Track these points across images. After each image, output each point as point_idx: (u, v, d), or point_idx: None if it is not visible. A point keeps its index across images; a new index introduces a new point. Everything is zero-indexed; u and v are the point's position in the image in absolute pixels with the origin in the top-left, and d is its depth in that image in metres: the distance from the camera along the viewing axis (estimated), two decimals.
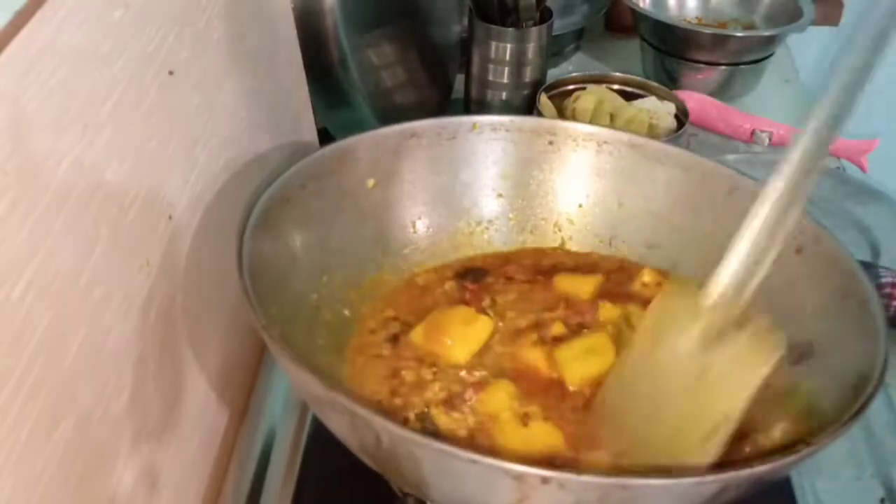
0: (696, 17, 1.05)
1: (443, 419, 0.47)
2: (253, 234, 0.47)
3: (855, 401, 0.41)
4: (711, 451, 0.41)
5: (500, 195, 0.62)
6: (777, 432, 0.44)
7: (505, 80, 0.86)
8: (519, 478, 0.36)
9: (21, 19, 0.35)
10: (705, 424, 0.41)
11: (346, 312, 0.55)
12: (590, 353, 0.50)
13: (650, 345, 0.45)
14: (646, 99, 0.85)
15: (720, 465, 0.42)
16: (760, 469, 0.37)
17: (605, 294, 0.56)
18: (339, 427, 0.43)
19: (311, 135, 0.74)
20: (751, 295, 0.42)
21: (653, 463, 0.42)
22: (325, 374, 0.50)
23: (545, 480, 0.36)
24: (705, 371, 0.41)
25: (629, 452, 0.43)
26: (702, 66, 0.96)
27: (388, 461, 0.41)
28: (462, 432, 0.47)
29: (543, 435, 0.46)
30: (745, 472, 0.37)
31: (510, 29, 0.83)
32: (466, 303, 0.56)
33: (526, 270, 0.59)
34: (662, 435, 0.42)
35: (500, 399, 0.48)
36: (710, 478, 0.37)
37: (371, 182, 0.58)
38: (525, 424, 0.46)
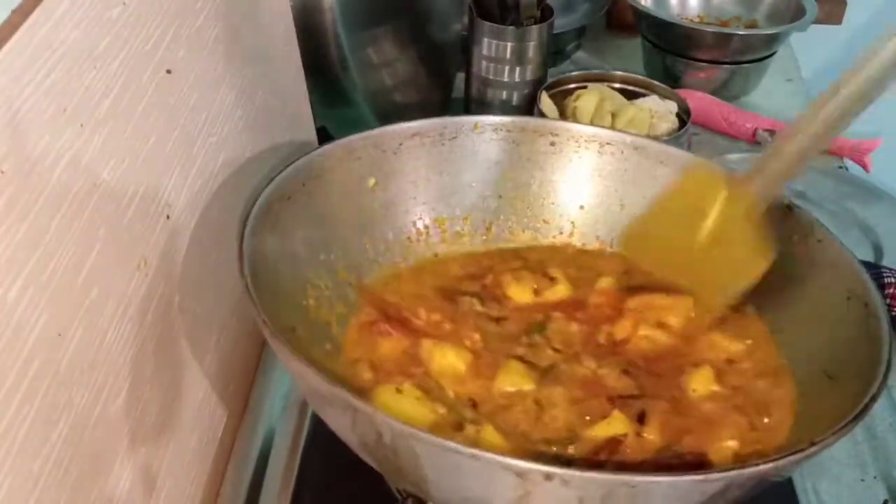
0: (698, 16, 1.05)
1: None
2: (253, 230, 0.47)
3: (858, 402, 0.41)
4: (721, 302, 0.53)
5: (500, 196, 0.62)
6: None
7: (505, 79, 0.86)
8: (522, 474, 0.36)
9: (18, 17, 0.35)
10: (716, 283, 0.53)
11: (345, 311, 0.54)
12: None
13: (684, 200, 0.54)
14: (647, 98, 0.84)
15: (723, 464, 0.42)
16: (763, 467, 0.37)
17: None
18: (338, 424, 0.43)
19: (309, 133, 0.73)
20: (779, 191, 0.51)
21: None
22: (325, 370, 0.50)
23: (548, 477, 0.35)
24: (725, 242, 0.51)
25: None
26: (704, 64, 0.96)
27: (388, 458, 0.41)
28: None
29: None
30: (749, 471, 0.37)
31: (511, 27, 0.83)
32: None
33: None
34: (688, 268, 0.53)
35: None
36: (714, 475, 0.36)
37: (372, 181, 0.58)
38: None
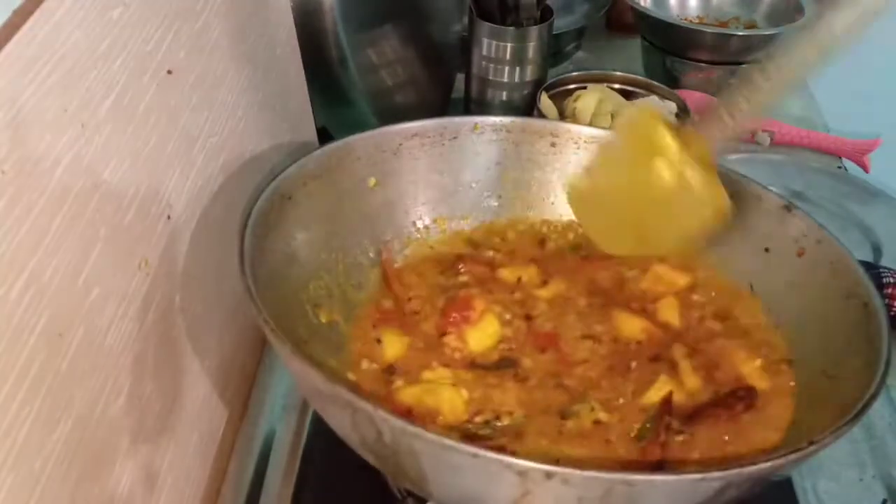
0: (698, 16, 1.05)
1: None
2: (254, 230, 0.47)
3: (857, 401, 0.41)
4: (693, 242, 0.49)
5: (500, 196, 0.62)
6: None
7: (505, 80, 0.86)
8: (522, 473, 0.36)
9: (19, 18, 0.35)
10: (681, 230, 0.48)
11: (345, 310, 0.54)
12: None
13: (630, 155, 0.49)
14: (647, 98, 0.85)
15: (722, 462, 0.42)
16: (762, 466, 0.37)
17: None
18: (339, 422, 0.43)
19: (310, 134, 0.73)
20: (734, 132, 0.46)
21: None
22: (326, 369, 0.50)
23: (549, 475, 0.36)
24: (681, 189, 0.46)
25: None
26: (703, 65, 0.96)
27: (388, 456, 0.41)
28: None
29: None
30: (748, 469, 0.37)
31: (510, 28, 0.83)
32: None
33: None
34: (649, 229, 0.49)
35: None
36: (712, 474, 0.37)
37: (372, 181, 0.58)
38: None
